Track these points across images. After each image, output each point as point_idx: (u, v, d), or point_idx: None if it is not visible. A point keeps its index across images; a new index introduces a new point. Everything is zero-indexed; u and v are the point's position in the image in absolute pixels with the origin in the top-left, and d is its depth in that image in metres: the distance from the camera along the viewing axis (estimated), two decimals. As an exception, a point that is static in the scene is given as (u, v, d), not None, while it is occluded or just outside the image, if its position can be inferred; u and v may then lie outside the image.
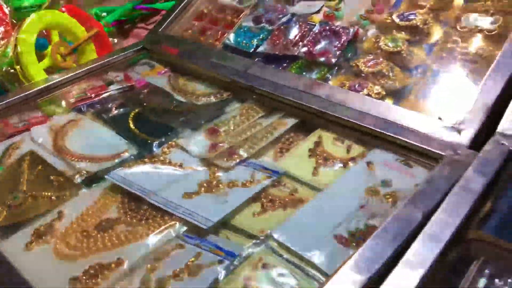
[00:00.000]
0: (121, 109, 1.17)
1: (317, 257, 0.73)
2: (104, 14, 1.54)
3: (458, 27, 1.10)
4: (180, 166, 0.97)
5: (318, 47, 1.19)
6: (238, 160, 0.97)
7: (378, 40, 1.14)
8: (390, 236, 0.72)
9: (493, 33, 1.05)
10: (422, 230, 0.73)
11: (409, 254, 0.69)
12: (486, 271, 0.72)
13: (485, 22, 1.07)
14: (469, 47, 1.05)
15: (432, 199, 0.78)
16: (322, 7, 1.31)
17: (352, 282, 0.66)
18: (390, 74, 1.07)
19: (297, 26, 1.27)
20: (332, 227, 0.78)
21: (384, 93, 1.06)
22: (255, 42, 1.29)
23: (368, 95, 1.05)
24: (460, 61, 1.04)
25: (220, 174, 0.94)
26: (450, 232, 0.72)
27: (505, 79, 0.94)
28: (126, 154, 1.01)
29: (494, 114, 0.93)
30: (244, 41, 1.31)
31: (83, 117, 1.15)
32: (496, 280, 0.71)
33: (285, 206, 0.86)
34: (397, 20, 1.15)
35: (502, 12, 1.07)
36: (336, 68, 1.16)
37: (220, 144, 1.02)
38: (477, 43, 1.06)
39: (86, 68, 1.32)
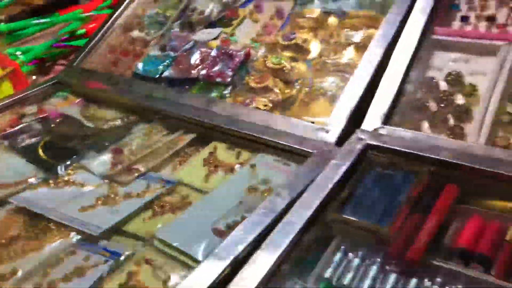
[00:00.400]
0: (33, 139, 1.24)
1: (194, 250, 0.81)
2: (19, 53, 1.61)
3: (332, 42, 1.23)
4: (82, 185, 1.04)
5: (215, 69, 1.31)
6: (136, 175, 1.06)
7: (265, 59, 1.26)
8: (253, 224, 0.81)
9: (360, 45, 1.19)
10: (284, 216, 0.83)
11: (270, 238, 0.79)
12: (342, 247, 0.83)
13: (354, 36, 1.21)
14: (340, 59, 1.19)
15: (296, 189, 0.88)
16: (220, 33, 1.43)
17: (215, 267, 0.74)
18: (275, 88, 1.19)
19: (198, 51, 1.38)
20: (211, 223, 0.87)
21: (270, 105, 1.17)
22: (160, 68, 1.39)
23: (257, 108, 1.17)
24: (332, 71, 1.17)
25: (119, 188, 1.02)
26: (307, 216, 0.82)
27: (365, 84, 1.07)
28: (33, 179, 1.07)
29: (360, 113, 1.05)
30: (151, 68, 1.41)
31: (-4, 149, 1.21)
32: (350, 254, 0.81)
33: (174, 210, 0.94)
34: (281, 40, 1.28)
35: (366, 27, 1.21)
36: (231, 86, 1.27)
37: (122, 162, 1.10)
38: (347, 54, 1.19)
39: (2, 103, 1.38)
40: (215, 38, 1.43)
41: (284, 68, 1.22)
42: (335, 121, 1.04)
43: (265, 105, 1.17)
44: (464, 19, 1.13)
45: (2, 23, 1.69)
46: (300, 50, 1.26)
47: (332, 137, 1.01)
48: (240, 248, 0.77)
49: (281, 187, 0.89)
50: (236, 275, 0.74)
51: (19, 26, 1.73)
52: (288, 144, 1.04)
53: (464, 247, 0.78)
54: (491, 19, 1.10)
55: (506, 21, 1.09)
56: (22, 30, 1.74)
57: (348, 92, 1.07)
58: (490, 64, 1.03)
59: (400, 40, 1.11)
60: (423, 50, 1.09)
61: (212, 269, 0.74)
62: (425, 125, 1.02)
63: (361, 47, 1.18)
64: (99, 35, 1.60)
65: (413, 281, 0.75)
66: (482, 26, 1.11)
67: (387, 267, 0.78)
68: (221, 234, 0.85)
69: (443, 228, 0.82)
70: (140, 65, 1.43)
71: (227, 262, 0.75)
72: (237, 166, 1.04)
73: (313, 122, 1.07)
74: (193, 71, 1.33)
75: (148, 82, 1.37)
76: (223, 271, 0.74)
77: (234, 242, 0.78)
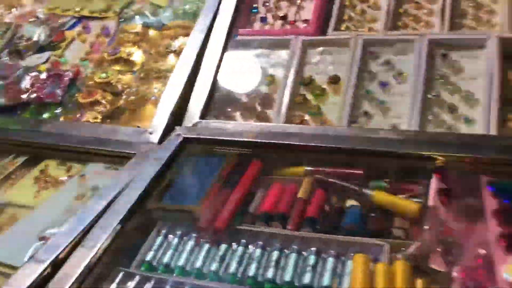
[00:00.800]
0: None
1: (18, 260, 0.84)
2: None
3: (154, 52, 1.32)
4: None
5: (45, 90, 1.33)
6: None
7: (94, 75, 1.31)
8: (74, 225, 0.86)
9: (178, 52, 1.29)
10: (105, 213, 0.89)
11: (90, 234, 0.85)
12: (163, 231, 0.90)
13: (172, 45, 1.32)
14: (162, 66, 1.28)
15: (117, 188, 0.94)
16: (49, 57, 1.45)
17: (34, 270, 0.78)
18: (103, 101, 1.25)
19: (28, 76, 1.39)
20: (38, 232, 0.90)
21: (100, 117, 1.22)
22: (-10, 97, 1.37)
23: (87, 121, 1.21)
24: (156, 78, 1.26)
25: None
26: (126, 209, 0.89)
27: (181, 86, 1.17)
28: None
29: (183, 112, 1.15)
30: (-20, 99, 1.38)
31: None
32: (170, 236, 0.89)
33: (1, 229, 0.95)
34: (107, 56, 1.35)
35: (183, 35, 1.32)
36: (62, 105, 1.30)
37: None
38: (168, 61, 1.29)
39: None
40: (44, 62, 1.44)
41: (112, 81, 1.28)
42: (157, 122, 1.12)
43: (95, 118, 1.22)
44: (263, 19, 1.28)
45: None
46: (126, 63, 1.33)
47: (155, 137, 1.09)
48: (60, 249, 0.81)
49: (104, 189, 0.95)
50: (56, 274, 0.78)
51: None
52: (116, 150, 1.10)
53: (266, 211, 0.90)
54: (284, 17, 1.27)
55: (295, 18, 1.26)
56: None
57: (167, 95, 1.16)
58: (285, 55, 1.19)
59: (209, 43, 1.23)
60: (229, 50, 1.22)
61: (31, 272, 0.77)
62: (238, 114, 1.14)
63: (180, 54, 1.28)
64: None
65: (223, 246, 0.85)
66: (278, 24, 1.27)
67: (201, 240, 0.87)
68: (47, 241, 0.88)
69: (249, 198, 0.94)
70: (-32, 97, 1.40)
71: (47, 263, 0.79)
72: (65, 179, 1.08)
73: (139, 127, 1.14)
74: (23, 96, 1.34)
75: (-22, 113, 1.35)
76: (42, 272, 0.77)
77: (54, 244, 0.82)
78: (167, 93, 1.17)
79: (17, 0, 1.67)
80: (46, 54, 1.47)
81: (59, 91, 1.31)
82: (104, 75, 1.29)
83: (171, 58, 1.30)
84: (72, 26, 1.52)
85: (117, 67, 1.33)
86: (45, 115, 1.29)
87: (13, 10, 1.64)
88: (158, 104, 1.18)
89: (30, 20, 1.56)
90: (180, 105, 1.15)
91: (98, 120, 1.22)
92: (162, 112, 1.14)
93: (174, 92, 1.16)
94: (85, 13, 1.52)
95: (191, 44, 1.24)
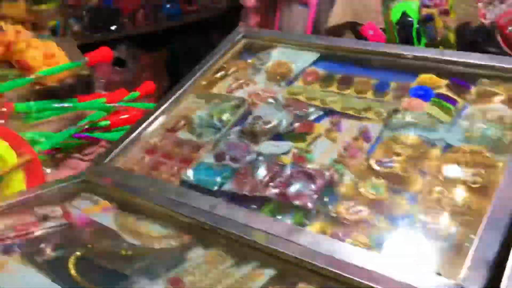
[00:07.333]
0: (59, 251, 1.05)
1: None
2: (43, 139, 1.45)
3: (440, 178, 1.15)
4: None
5: (292, 189, 1.19)
6: (210, 319, 0.87)
7: (357, 186, 1.16)
8: None
9: (476, 185, 1.10)
10: None
11: None
12: None
13: (467, 174, 1.13)
14: (455, 199, 1.09)
15: None
16: (290, 148, 1.34)
17: None
18: (376, 222, 1.07)
19: (265, 166, 1.27)
20: None
21: (370, 243, 1.04)
22: (218, 180, 1.26)
23: (353, 244, 1.03)
24: (448, 212, 1.07)
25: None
26: None
27: (501, 234, 0.96)
28: (66, 309, 0.87)
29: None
30: (206, 178, 1.28)
31: (9, 259, 1.01)
32: None
33: None
34: (375, 167, 1.19)
35: (483, 165, 1.14)
36: (313, 213, 1.14)
37: (188, 299, 0.92)
38: (461, 194, 1.10)
39: (14, 201, 1.20)
40: (284, 153, 1.33)
41: (385, 200, 1.11)
42: (472, 276, 0.91)
43: (364, 243, 1.04)
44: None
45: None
46: (398, 181, 1.17)
47: (472, 298, 0.87)
48: None
49: None
50: None
51: (37, 107, 1.60)
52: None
53: None
54: None
55: None
56: (39, 112, 1.60)
57: (482, 242, 0.96)
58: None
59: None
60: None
61: None
62: None
63: (479, 189, 1.09)
64: (137, 132, 1.48)
65: None
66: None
67: None
68: None
69: None
70: (190, 173, 1.31)
71: None
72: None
73: (439, 274, 0.94)
74: (262, 188, 1.21)
75: (203, 194, 1.23)
76: None
77: None
78: (482, 239, 0.96)
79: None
80: (285, 144, 1.36)
81: (311, 195, 1.16)
82: (373, 190, 1.13)
83: (462, 190, 1.11)
84: (318, 119, 1.41)
85: (384, 183, 1.17)
86: (289, 220, 1.14)
87: (244, 85, 1.59)
88: (462, 250, 0.97)
89: (269, 101, 1.49)
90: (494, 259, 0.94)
91: (365, 246, 1.03)
92: (474, 263, 0.93)
93: (491, 240, 0.96)
94: (336, 107, 1.41)
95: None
